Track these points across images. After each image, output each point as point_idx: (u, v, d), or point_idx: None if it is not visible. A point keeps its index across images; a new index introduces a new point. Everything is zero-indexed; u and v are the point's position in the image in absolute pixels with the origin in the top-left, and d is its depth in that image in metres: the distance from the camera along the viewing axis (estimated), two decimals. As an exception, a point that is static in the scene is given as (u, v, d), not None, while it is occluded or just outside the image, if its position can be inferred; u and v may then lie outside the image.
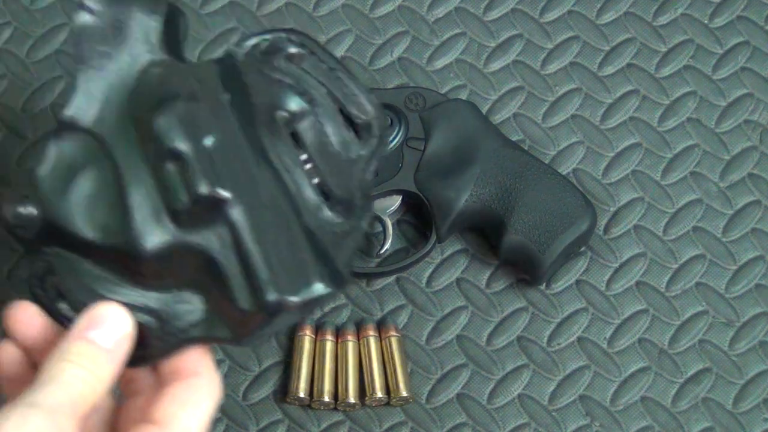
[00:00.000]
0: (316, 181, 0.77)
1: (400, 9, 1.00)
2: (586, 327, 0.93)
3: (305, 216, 0.76)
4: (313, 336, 0.93)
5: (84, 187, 0.76)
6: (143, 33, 0.78)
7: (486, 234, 0.94)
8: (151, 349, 0.75)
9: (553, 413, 0.91)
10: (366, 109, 0.79)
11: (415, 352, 0.93)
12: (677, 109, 0.97)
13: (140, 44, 0.78)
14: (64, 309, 0.76)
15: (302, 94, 0.78)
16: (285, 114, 0.78)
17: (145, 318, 0.75)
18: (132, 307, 0.75)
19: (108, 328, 0.72)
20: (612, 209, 0.95)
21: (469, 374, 0.92)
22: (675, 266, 0.94)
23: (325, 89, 0.79)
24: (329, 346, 0.92)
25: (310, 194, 0.77)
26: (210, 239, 0.74)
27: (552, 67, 0.98)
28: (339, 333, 0.93)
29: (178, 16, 0.80)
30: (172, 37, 0.80)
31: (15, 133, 0.96)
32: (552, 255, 0.90)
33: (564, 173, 0.95)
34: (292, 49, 0.79)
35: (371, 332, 0.92)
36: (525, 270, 0.93)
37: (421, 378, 0.92)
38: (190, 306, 0.76)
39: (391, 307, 0.94)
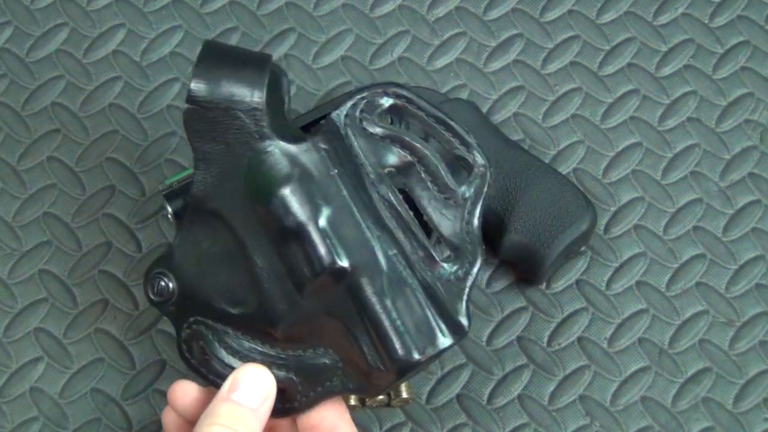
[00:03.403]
0: (426, 232, 0.81)
1: (401, 8, 1.00)
2: (586, 327, 0.93)
3: (421, 271, 0.80)
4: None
5: (214, 262, 0.81)
6: (248, 112, 0.80)
7: (486, 233, 0.94)
8: (294, 403, 0.80)
9: (553, 413, 0.91)
10: (466, 151, 0.82)
11: (415, 352, 0.93)
12: (677, 109, 0.97)
13: (246, 123, 0.80)
14: (212, 371, 0.81)
15: (404, 146, 0.81)
16: (391, 170, 0.81)
17: (287, 375, 0.80)
18: (274, 366, 0.80)
19: (251, 388, 0.78)
20: (612, 209, 0.95)
21: (469, 374, 0.92)
22: (675, 266, 0.94)
23: (424, 137, 0.83)
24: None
25: (423, 248, 0.81)
26: (335, 306, 0.79)
27: (552, 67, 0.98)
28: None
29: (280, 76, 0.82)
30: (276, 98, 0.82)
31: (15, 133, 0.96)
32: (552, 255, 0.90)
33: (564, 173, 0.95)
34: (389, 102, 0.82)
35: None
36: (525, 269, 0.93)
37: (421, 378, 0.92)
38: (327, 362, 0.80)
39: (391, 307, 0.94)
